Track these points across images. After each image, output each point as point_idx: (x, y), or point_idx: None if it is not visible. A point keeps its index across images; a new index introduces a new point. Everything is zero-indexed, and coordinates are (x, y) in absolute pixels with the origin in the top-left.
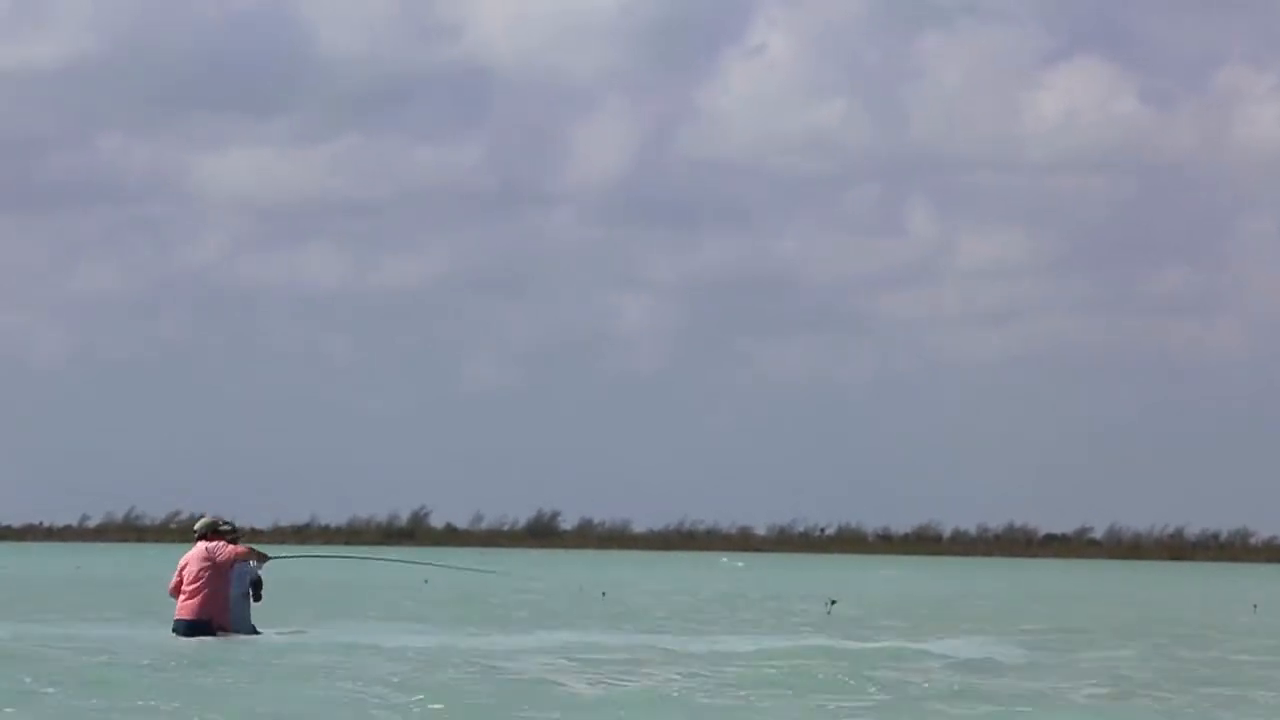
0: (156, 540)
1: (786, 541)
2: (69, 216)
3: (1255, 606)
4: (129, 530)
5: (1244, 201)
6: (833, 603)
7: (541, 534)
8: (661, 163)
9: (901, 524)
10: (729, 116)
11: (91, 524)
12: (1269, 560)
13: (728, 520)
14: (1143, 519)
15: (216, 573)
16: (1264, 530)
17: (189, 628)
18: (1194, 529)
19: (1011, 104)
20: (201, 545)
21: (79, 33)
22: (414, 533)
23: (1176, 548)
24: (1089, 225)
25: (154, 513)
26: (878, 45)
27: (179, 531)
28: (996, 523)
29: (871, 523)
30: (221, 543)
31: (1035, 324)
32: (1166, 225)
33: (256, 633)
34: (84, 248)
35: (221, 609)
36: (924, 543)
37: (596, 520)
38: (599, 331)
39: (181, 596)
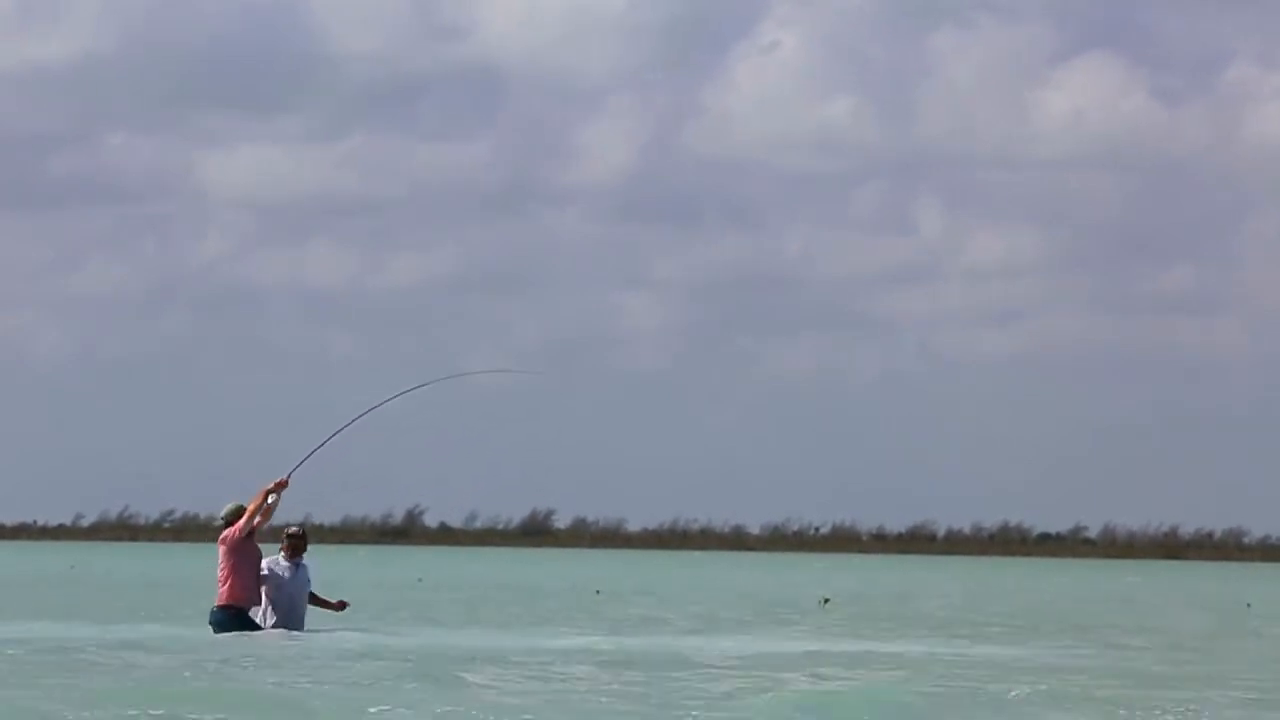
0: (150, 539)
1: (779, 541)
2: (74, 214)
3: (1249, 605)
4: (122, 529)
5: (1251, 200)
6: (825, 600)
7: (535, 533)
8: (669, 161)
9: (896, 523)
10: (737, 114)
11: (85, 523)
12: (1263, 559)
13: (721, 519)
14: (1137, 518)
15: (231, 555)
16: (1258, 529)
17: (218, 614)
18: (1188, 528)
19: (1020, 102)
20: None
21: (86, 31)
22: (408, 531)
23: (1171, 547)
24: (1096, 223)
25: (148, 511)
26: (887, 43)
27: (172, 530)
28: (991, 521)
29: (866, 522)
30: (233, 528)
31: (1040, 322)
32: (1173, 224)
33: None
34: (89, 246)
35: (247, 589)
36: (918, 542)
37: (590, 519)
38: (604, 330)
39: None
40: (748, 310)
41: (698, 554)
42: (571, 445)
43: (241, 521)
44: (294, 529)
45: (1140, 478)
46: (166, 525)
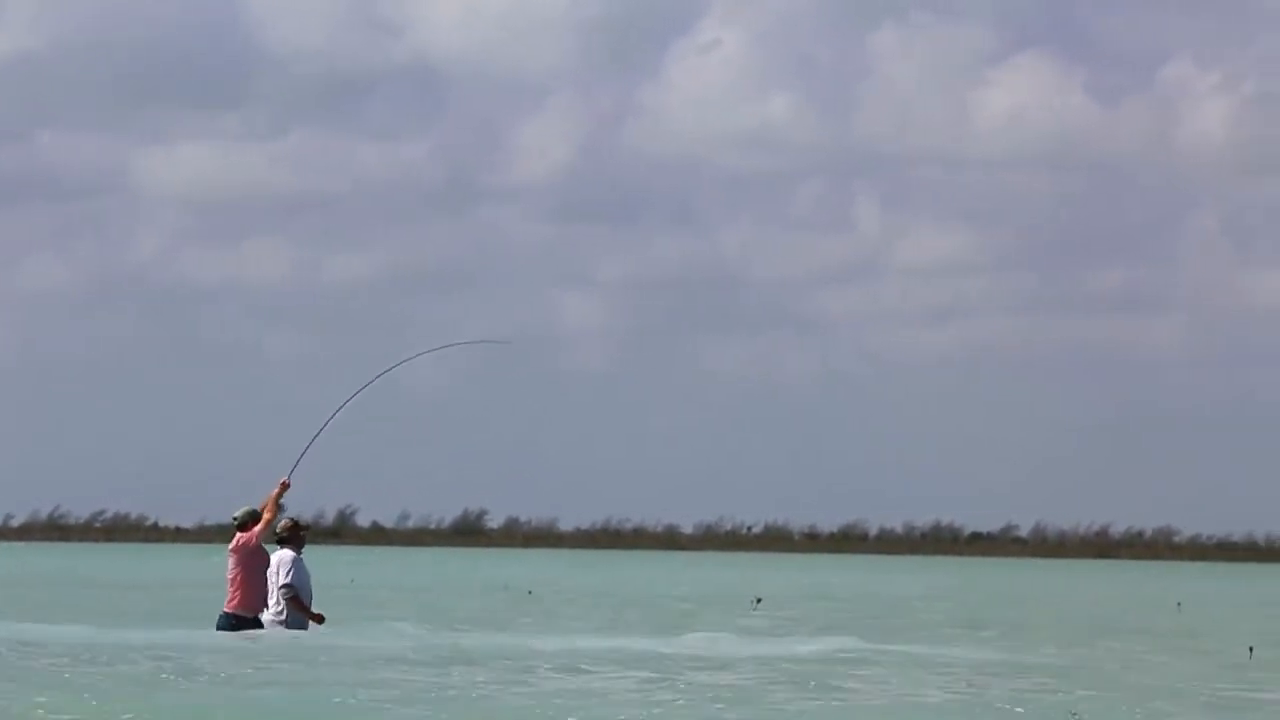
0: (81, 539)
1: (712, 540)
2: (11, 212)
3: (1179, 604)
4: (53, 530)
5: (1190, 199)
6: (758, 600)
7: (468, 532)
8: (609, 159)
9: (828, 522)
10: (677, 113)
11: (15, 523)
12: (1193, 558)
13: (654, 519)
14: (1068, 517)
15: (246, 561)
16: (1188, 528)
17: (224, 620)
18: (1119, 527)
19: (959, 100)
20: (236, 537)
21: (23, 28)
22: (340, 531)
23: (1101, 546)
24: (1035, 223)
25: (78, 511)
26: (827, 42)
27: (103, 530)
28: (924, 521)
29: (798, 521)
30: (247, 534)
31: (979, 322)
32: (1111, 223)
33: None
34: (26, 244)
35: (259, 596)
36: (850, 541)
37: (523, 519)
38: (544, 328)
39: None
40: (687, 309)
41: (630, 554)
42: (505, 444)
43: (259, 528)
44: (304, 525)
45: (1072, 477)
46: (98, 525)
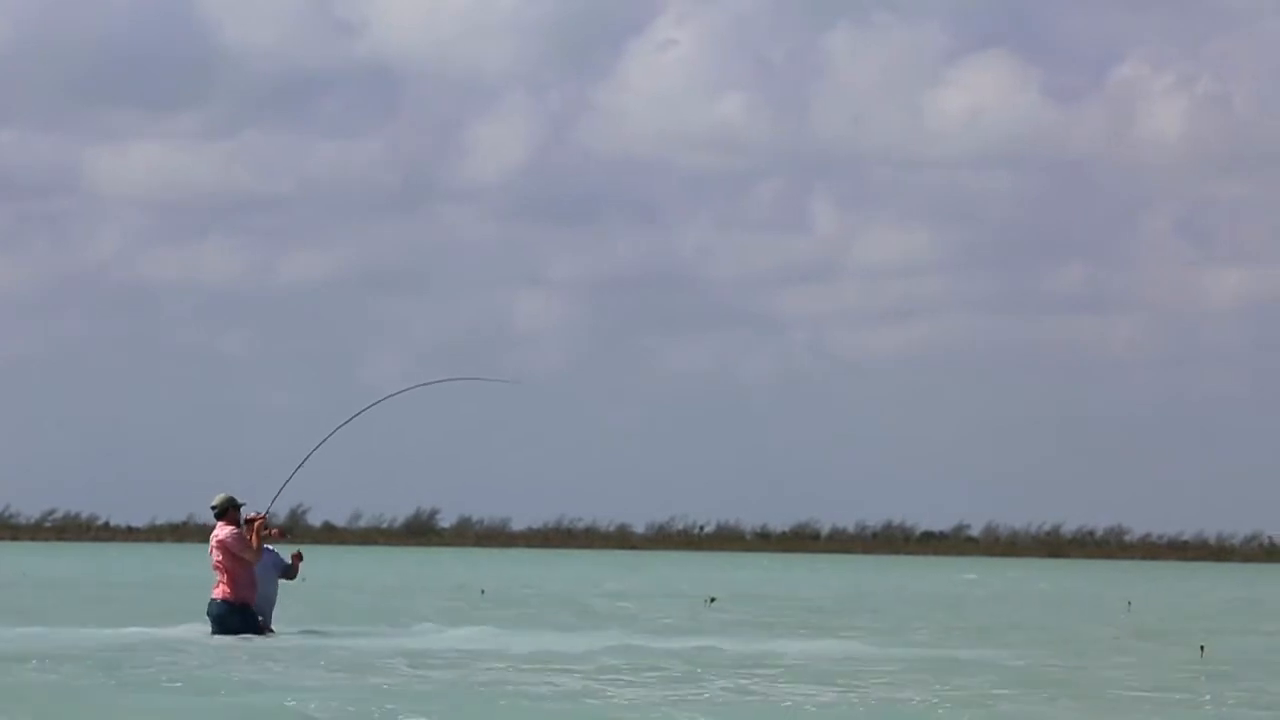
0: (31, 539)
1: (664, 539)
2: None
3: (1129, 604)
4: (3, 529)
5: (1145, 199)
6: (712, 599)
7: (420, 532)
8: (565, 159)
9: (780, 521)
10: (633, 113)
11: None
12: (1144, 558)
13: (606, 518)
14: (1020, 516)
15: (231, 557)
16: (1139, 528)
17: (216, 606)
18: (1070, 526)
19: (916, 100)
20: (218, 528)
21: None
22: (292, 530)
23: (1053, 545)
24: (993, 222)
25: (29, 511)
26: (783, 42)
27: (54, 530)
28: (875, 520)
29: (750, 520)
30: (231, 530)
31: (935, 321)
32: (1069, 222)
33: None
34: None
35: (246, 587)
36: (802, 540)
37: (475, 518)
38: (500, 328)
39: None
40: (643, 309)
41: (582, 553)
42: (457, 444)
43: (240, 548)
44: (253, 513)
45: (1024, 476)
46: (48, 525)
